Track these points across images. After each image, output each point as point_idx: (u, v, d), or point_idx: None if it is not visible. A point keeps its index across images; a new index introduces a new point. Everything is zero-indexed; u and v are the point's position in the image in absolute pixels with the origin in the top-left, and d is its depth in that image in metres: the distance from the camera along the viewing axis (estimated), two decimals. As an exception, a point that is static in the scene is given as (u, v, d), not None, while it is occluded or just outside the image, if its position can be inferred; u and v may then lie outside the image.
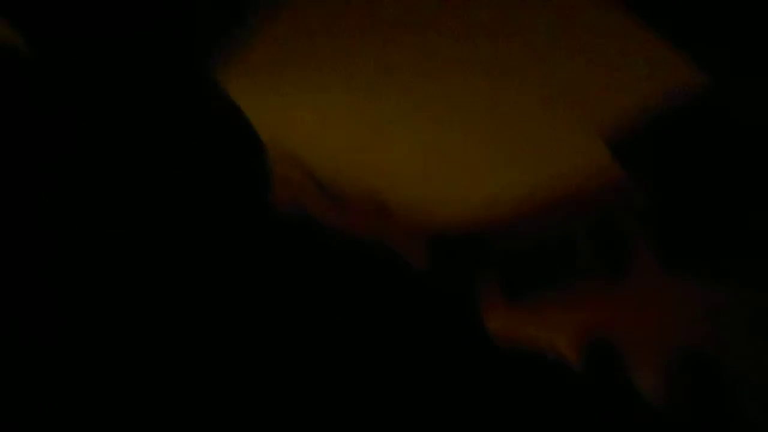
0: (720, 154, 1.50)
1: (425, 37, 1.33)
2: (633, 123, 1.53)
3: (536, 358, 0.70)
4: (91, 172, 0.54)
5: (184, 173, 0.60)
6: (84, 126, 0.57)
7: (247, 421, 0.52)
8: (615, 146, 1.55)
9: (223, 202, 0.63)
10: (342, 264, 0.61)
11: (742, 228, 1.52)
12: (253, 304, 0.56)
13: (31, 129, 0.55)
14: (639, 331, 1.80)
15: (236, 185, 0.64)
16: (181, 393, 0.51)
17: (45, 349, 0.49)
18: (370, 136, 1.76)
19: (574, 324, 1.95)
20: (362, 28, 1.33)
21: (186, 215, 0.58)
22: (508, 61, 1.40)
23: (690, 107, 1.44)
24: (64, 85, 0.60)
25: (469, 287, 2.22)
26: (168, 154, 0.60)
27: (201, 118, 0.65)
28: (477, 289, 2.21)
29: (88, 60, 0.62)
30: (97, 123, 0.57)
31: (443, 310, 0.65)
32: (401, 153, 1.85)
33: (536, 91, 1.50)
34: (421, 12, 1.27)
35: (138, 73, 0.65)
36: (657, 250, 1.77)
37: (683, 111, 1.45)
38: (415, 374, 0.58)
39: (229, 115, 0.67)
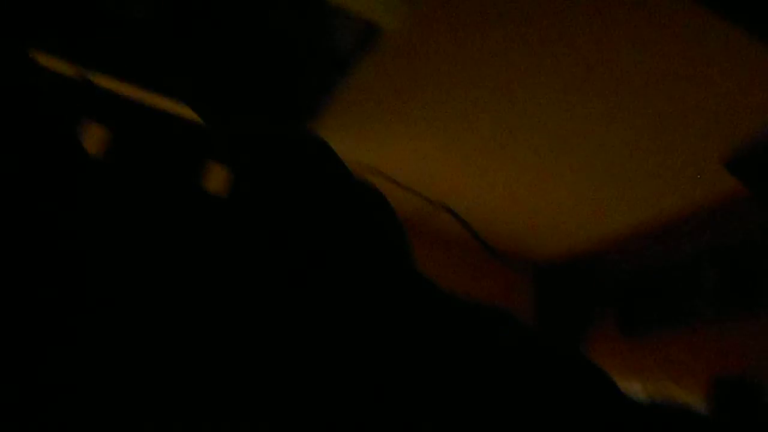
0: None
1: (530, 70, 1.31)
2: (753, 140, 1.38)
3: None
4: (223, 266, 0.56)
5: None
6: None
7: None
8: (733, 165, 1.40)
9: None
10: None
11: None
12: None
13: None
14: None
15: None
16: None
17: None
18: (475, 171, 1.74)
19: (701, 362, 1.76)
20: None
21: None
22: (625, 92, 1.33)
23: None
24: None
25: (579, 321, 2.10)
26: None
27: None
28: (588, 324, 2.08)
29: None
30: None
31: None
32: (507, 187, 1.81)
33: (652, 121, 1.40)
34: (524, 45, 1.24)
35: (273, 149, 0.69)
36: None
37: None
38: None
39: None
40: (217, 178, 1.53)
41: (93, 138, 1.46)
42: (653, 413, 0.63)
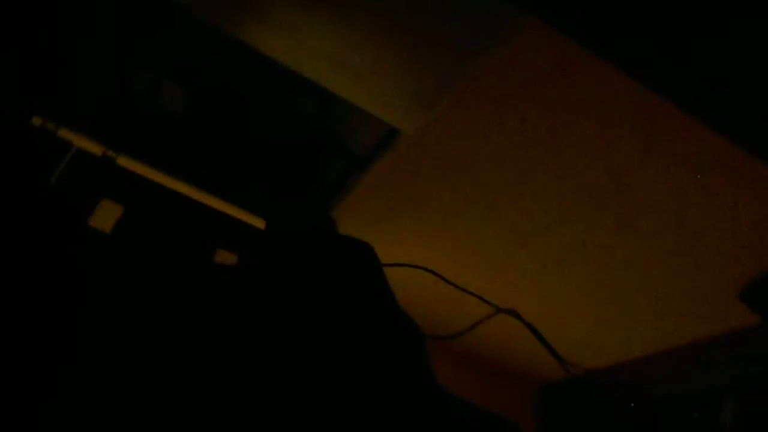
0: None
1: (546, 181, 1.31)
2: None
3: None
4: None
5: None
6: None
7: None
8: (747, 294, 1.37)
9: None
10: None
11: None
12: None
13: None
14: None
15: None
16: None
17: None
18: (487, 277, 1.71)
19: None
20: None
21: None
22: (655, 213, 1.33)
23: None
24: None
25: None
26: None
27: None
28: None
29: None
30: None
31: None
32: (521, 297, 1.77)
33: (686, 252, 1.38)
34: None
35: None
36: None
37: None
38: None
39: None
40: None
41: (110, 214, 1.47)
42: None
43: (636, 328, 1.73)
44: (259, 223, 1.42)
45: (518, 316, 1.61)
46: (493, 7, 0.91)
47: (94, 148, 1.38)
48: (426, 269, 0.84)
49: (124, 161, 1.43)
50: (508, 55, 1.03)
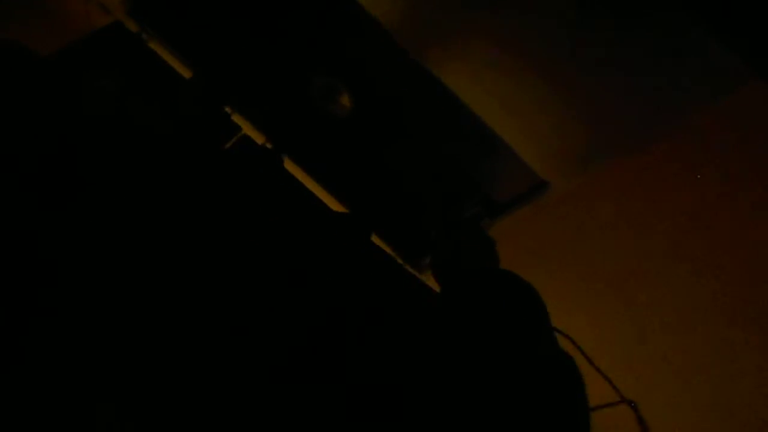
0: None
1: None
2: None
3: None
4: None
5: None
6: None
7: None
8: None
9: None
10: None
11: None
12: None
13: None
14: None
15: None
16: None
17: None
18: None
19: None
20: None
21: None
22: None
23: None
24: None
25: None
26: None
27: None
28: None
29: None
30: None
31: None
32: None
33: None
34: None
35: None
36: None
37: None
38: None
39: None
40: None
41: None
42: None
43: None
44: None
45: (636, 409, 1.52)
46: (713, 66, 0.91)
47: (258, 137, 1.49)
48: (567, 336, 0.81)
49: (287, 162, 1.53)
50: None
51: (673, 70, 0.96)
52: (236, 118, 1.47)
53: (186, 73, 1.45)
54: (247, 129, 1.48)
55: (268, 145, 1.52)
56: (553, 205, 1.31)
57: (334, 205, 1.56)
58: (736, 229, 1.14)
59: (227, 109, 1.45)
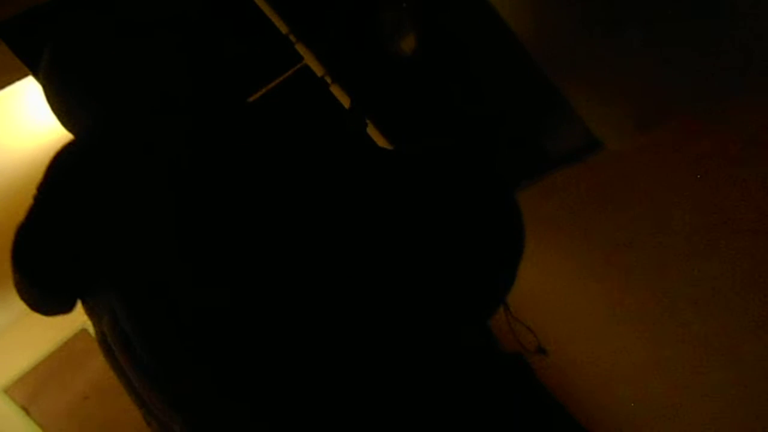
0: None
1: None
2: None
3: None
4: None
5: None
6: None
7: None
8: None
9: None
10: None
11: None
12: None
13: None
14: None
15: None
16: None
17: None
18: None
19: None
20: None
21: None
22: None
23: None
24: None
25: None
26: None
27: None
28: None
29: None
30: None
31: None
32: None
33: None
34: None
35: None
36: None
37: None
38: None
39: None
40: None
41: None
42: None
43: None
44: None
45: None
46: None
47: (318, 68, 1.52)
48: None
49: (336, 90, 1.55)
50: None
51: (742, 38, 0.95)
52: (299, 48, 1.50)
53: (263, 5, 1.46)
54: (309, 60, 1.50)
55: (328, 79, 1.54)
56: (607, 167, 1.31)
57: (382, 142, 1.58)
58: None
59: (291, 37, 1.48)
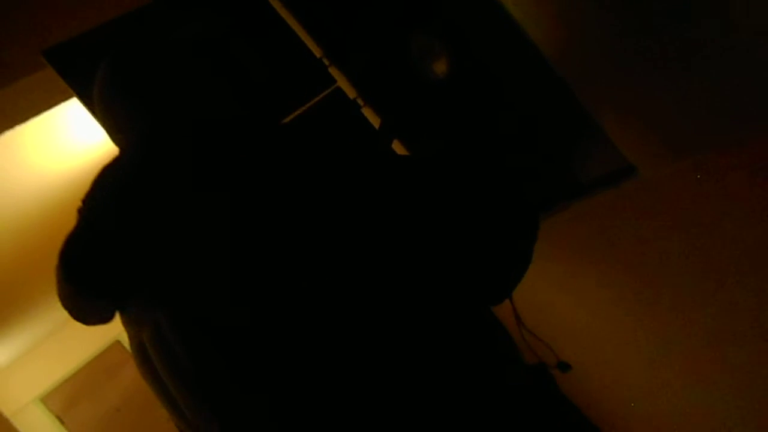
0: None
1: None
2: None
3: None
4: None
5: None
6: None
7: None
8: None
9: None
10: None
11: None
12: None
13: None
14: None
15: None
16: None
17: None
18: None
19: None
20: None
21: None
22: None
23: None
24: None
25: None
26: None
27: None
28: None
29: None
30: None
31: None
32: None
33: None
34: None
35: None
36: None
37: None
38: None
39: None
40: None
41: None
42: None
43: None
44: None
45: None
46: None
47: (351, 91, 1.54)
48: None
49: (368, 112, 1.57)
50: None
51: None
52: (332, 71, 1.52)
53: (291, 22, 1.50)
54: (342, 82, 1.53)
55: (360, 102, 1.56)
56: (641, 193, 1.29)
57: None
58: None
59: (325, 60, 1.50)
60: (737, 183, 1.12)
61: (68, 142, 2.24)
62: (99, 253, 0.80)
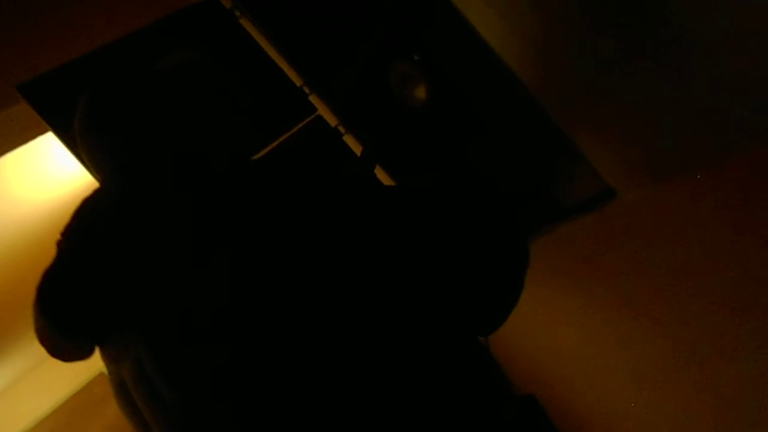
0: None
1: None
2: None
3: None
4: None
5: None
6: None
7: None
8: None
9: None
10: None
11: None
12: None
13: None
14: None
15: None
16: None
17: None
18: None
19: None
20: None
21: None
22: None
23: None
24: None
25: None
26: None
27: None
28: None
29: None
30: None
31: None
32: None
33: None
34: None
35: None
36: None
37: None
38: None
39: None
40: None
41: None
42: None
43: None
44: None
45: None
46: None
47: (331, 119, 1.54)
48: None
49: (349, 139, 1.58)
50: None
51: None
52: (313, 99, 1.53)
53: (272, 52, 1.51)
54: (323, 110, 1.53)
55: (341, 129, 1.57)
56: (622, 216, 1.30)
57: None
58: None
59: (305, 89, 1.51)
60: (718, 204, 1.13)
61: (50, 172, 2.22)
62: (77, 289, 0.78)
